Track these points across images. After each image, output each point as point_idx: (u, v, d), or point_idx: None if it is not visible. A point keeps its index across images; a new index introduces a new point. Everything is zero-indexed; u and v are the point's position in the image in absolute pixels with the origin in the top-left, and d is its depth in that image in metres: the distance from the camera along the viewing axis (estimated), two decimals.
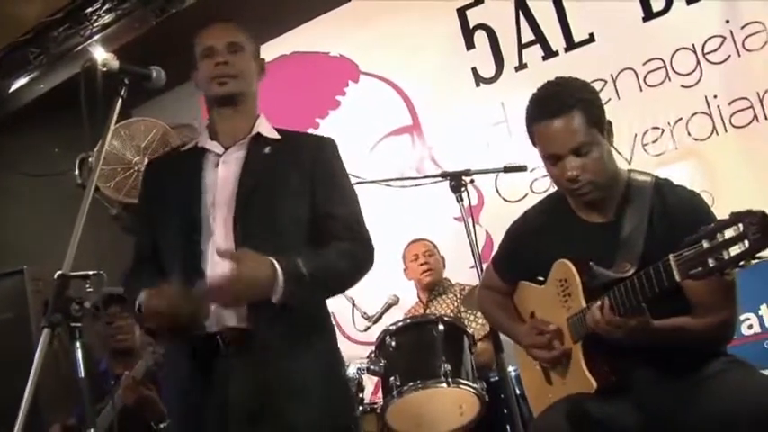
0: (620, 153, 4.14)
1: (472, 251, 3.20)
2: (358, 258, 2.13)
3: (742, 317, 3.76)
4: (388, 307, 3.89)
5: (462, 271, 4.25)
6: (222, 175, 2.14)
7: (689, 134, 4.31)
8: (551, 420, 1.95)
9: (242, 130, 2.21)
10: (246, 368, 1.96)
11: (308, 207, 2.13)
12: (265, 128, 2.24)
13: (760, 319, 3.88)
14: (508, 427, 3.26)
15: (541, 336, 2.16)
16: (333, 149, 2.27)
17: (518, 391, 3.15)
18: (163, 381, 2.89)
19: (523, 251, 2.33)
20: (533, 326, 2.22)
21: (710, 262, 1.59)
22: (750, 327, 3.88)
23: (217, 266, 1.98)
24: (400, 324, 3.19)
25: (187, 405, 2.03)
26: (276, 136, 2.24)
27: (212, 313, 2.00)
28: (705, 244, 1.60)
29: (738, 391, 1.78)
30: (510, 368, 3.18)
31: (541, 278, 2.27)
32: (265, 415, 1.91)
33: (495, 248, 2.53)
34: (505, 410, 3.18)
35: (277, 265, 1.91)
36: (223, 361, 1.99)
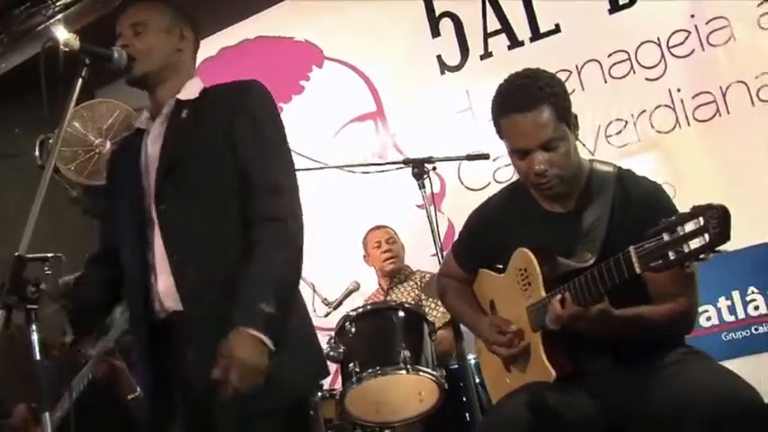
0: (583, 144, 4.16)
1: (434, 239, 3.20)
2: (288, 251, 1.95)
3: (701, 309, 3.84)
4: (348, 293, 3.88)
5: (423, 258, 4.25)
6: (151, 155, 2.09)
7: (652, 126, 4.35)
8: (510, 408, 1.96)
9: (169, 104, 2.13)
10: (195, 349, 1.93)
11: (233, 170, 1.99)
12: (188, 91, 2.12)
13: (718, 311, 3.95)
14: (467, 414, 3.26)
15: (501, 335, 2.18)
16: (258, 94, 2.08)
17: (477, 380, 3.17)
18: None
19: (484, 239, 2.33)
20: (494, 323, 2.23)
21: (671, 255, 1.60)
22: (708, 319, 3.94)
23: (162, 266, 1.96)
24: (360, 310, 3.18)
25: (153, 377, 2.03)
26: (195, 96, 2.11)
27: (156, 298, 1.99)
28: (666, 237, 1.61)
29: (695, 381, 1.80)
30: (470, 356, 3.19)
31: (501, 266, 2.28)
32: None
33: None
34: (465, 398, 3.19)
35: (255, 332, 1.80)
36: (176, 342, 1.98)
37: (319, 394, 3.16)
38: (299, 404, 1.97)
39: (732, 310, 3.93)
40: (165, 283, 1.97)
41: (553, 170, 2.03)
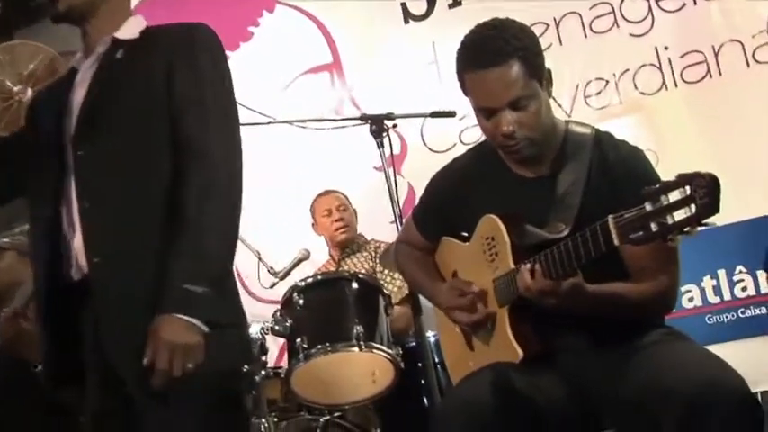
0: (559, 104, 4.17)
1: (392, 205, 3.20)
2: (223, 216, 1.89)
3: (683, 288, 3.84)
4: (297, 262, 3.85)
5: (380, 226, 4.24)
6: (77, 96, 2.03)
7: (635, 87, 4.36)
8: (471, 390, 1.95)
9: (104, 42, 2.07)
10: (103, 317, 1.90)
11: (166, 120, 1.95)
12: (127, 30, 2.07)
13: (702, 291, 3.97)
14: (425, 397, 3.28)
15: (463, 297, 2.16)
16: (205, 39, 2.03)
17: (437, 359, 3.18)
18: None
19: (447, 204, 2.32)
20: (454, 286, 2.22)
21: (653, 226, 1.58)
22: (691, 299, 3.96)
23: (77, 220, 1.92)
24: (310, 280, 3.18)
25: (49, 346, 2.02)
26: (135, 36, 2.06)
27: (72, 256, 1.95)
28: (648, 206, 1.59)
29: (675, 363, 1.80)
30: (429, 333, 3.20)
31: (466, 234, 2.27)
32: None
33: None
34: (422, 380, 3.21)
35: (184, 317, 1.79)
36: (89, 307, 1.94)
37: (262, 372, 3.14)
38: (226, 379, 1.95)
39: (717, 290, 3.96)
40: (79, 239, 1.93)
41: (522, 131, 2.02)
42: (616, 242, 1.68)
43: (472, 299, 2.14)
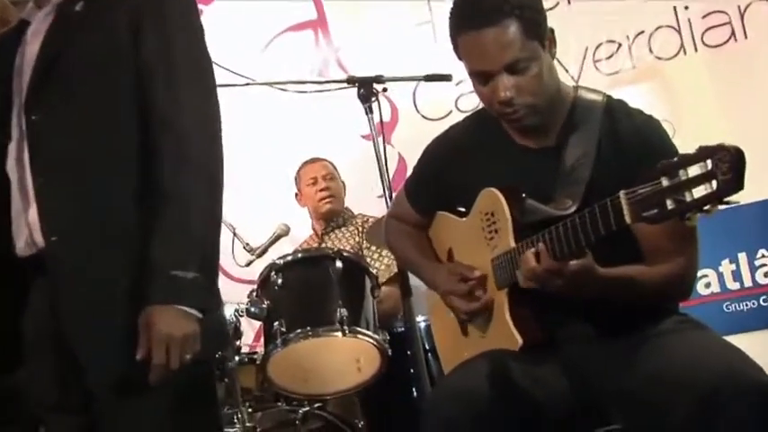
0: (565, 69, 4.15)
1: (381, 177, 3.18)
2: (205, 192, 1.88)
3: (699, 273, 3.83)
4: (276, 238, 3.85)
5: (368, 200, 4.24)
6: (29, 53, 1.99)
7: (651, 51, 4.35)
8: (465, 379, 1.94)
9: None
10: (59, 297, 1.89)
11: (132, 84, 1.91)
12: None
13: (720, 276, 3.98)
14: (414, 388, 3.29)
15: (463, 283, 2.16)
16: None
17: (427, 346, 3.19)
18: None
19: (443, 176, 2.31)
20: (454, 270, 2.21)
21: (669, 203, 1.56)
22: (708, 285, 3.97)
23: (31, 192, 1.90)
24: (289, 258, 3.17)
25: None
26: None
27: (27, 230, 1.93)
28: (665, 181, 1.57)
29: (689, 354, 1.79)
30: (419, 318, 3.20)
31: (463, 209, 2.26)
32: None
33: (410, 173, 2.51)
34: (412, 369, 3.21)
35: (177, 306, 1.79)
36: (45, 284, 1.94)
37: (236, 358, 3.14)
38: (197, 367, 1.93)
39: (737, 276, 3.97)
40: (35, 214, 1.90)
41: (522, 98, 2.00)
42: (628, 220, 1.66)
43: (473, 285, 2.14)
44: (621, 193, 1.67)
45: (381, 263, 3.95)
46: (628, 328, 1.97)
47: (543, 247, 1.86)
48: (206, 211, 1.88)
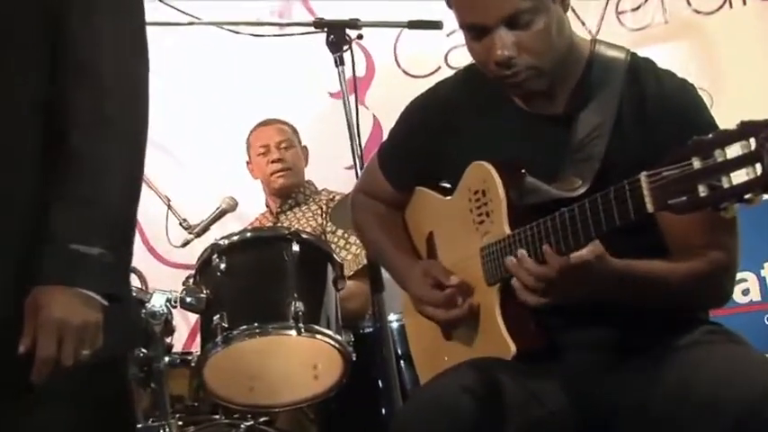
0: (581, 22, 4.16)
1: (351, 144, 3.18)
2: (123, 151, 1.86)
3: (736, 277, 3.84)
4: (220, 214, 3.84)
5: (334, 171, 4.25)
6: None
7: (688, 3, 4.35)
8: (444, 391, 1.93)
9: None
10: None
11: (39, 20, 1.87)
12: None
13: (762, 282, 3.96)
14: (382, 400, 3.31)
15: (437, 291, 2.17)
16: None
17: (400, 350, 3.22)
18: None
19: (425, 143, 2.31)
20: (429, 272, 2.21)
21: (701, 190, 1.55)
22: (746, 292, 3.96)
23: None
24: (235, 238, 3.16)
25: None
26: None
27: None
28: (697, 162, 1.56)
29: (721, 371, 1.79)
30: (391, 317, 3.20)
31: (448, 185, 2.26)
32: None
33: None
34: (381, 380, 3.22)
35: (76, 288, 1.75)
36: None
37: (166, 359, 3.12)
38: (105, 370, 1.91)
39: None
40: None
41: (524, 58, 1.99)
42: (650, 208, 1.65)
43: (451, 294, 2.14)
44: (643, 175, 1.65)
45: (349, 251, 3.94)
46: (646, 337, 1.97)
47: (548, 249, 1.84)
48: (122, 176, 1.86)
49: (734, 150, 1.51)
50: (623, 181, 1.70)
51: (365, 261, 3.44)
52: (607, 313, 1.97)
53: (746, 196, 1.49)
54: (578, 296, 1.88)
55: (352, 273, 3.74)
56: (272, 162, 4.29)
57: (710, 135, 1.54)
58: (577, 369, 2.00)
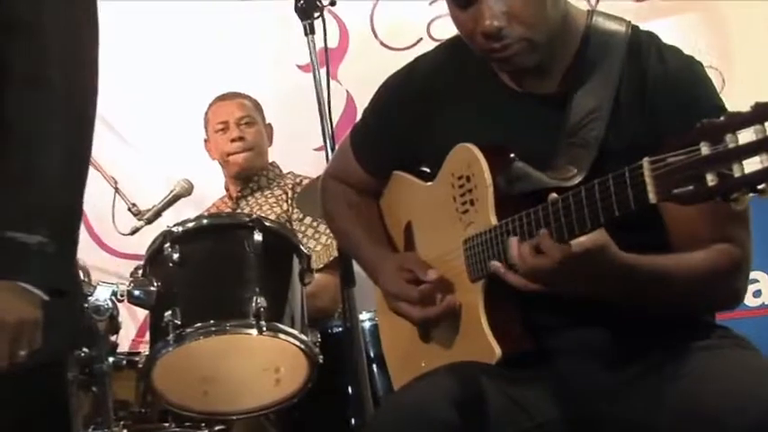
0: None
1: (322, 122, 3.20)
2: (66, 129, 1.85)
3: None
4: (173, 198, 3.84)
5: (302, 153, 4.25)
6: None
7: None
8: (420, 399, 1.94)
9: None
10: None
11: None
12: None
13: None
14: (351, 408, 3.31)
15: (413, 287, 2.17)
16: None
17: (372, 352, 3.24)
18: None
19: (404, 123, 2.31)
20: (404, 266, 2.22)
21: (710, 178, 1.54)
22: (758, 294, 3.98)
23: None
24: (190, 226, 3.15)
25: None
26: None
27: None
28: (705, 148, 1.56)
29: (731, 381, 1.80)
30: (363, 315, 3.21)
31: (428, 170, 2.27)
32: None
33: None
34: (350, 387, 3.23)
35: (17, 282, 1.75)
36: None
37: (110, 359, 3.11)
38: (42, 374, 1.91)
39: None
40: None
41: (515, 29, 1.99)
42: (653, 198, 1.64)
43: (429, 290, 2.15)
44: (646, 161, 1.64)
45: (318, 241, 3.95)
46: (646, 341, 1.98)
47: (546, 233, 1.82)
48: (67, 154, 1.85)
49: (747, 135, 1.50)
50: (624, 168, 1.69)
51: (336, 253, 3.45)
52: (603, 314, 1.97)
53: (760, 186, 1.48)
54: (573, 291, 1.88)
55: (321, 266, 3.75)
56: (232, 140, 4.28)
57: (721, 118, 1.53)
58: (569, 376, 2.00)
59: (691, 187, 1.56)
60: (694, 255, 1.95)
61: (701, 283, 1.95)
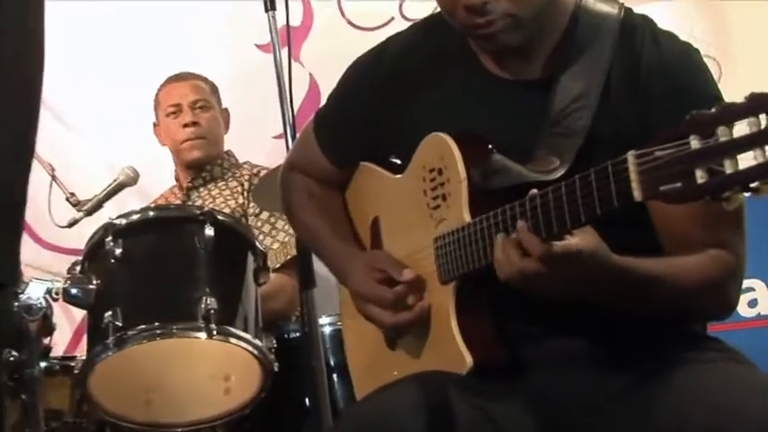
0: None
1: (282, 107, 3.21)
2: None
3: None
4: (117, 188, 3.82)
5: (260, 141, 4.26)
6: None
7: None
8: (383, 411, 1.94)
9: None
10: None
11: None
12: None
13: None
14: (307, 422, 3.31)
15: (386, 287, 2.17)
16: None
17: (332, 360, 3.24)
18: None
19: (373, 110, 2.32)
20: (374, 265, 2.22)
21: (699, 175, 1.53)
22: (753, 303, 4.00)
23: None
24: (135, 218, 3.15)
25: None
26: None
27: None
28: (695, 142, 1.55)
29: (723, 397, 1.80)
30: (323, 320, 3.21)
31: (398, 161, 2.28)
32: None
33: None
34: (308, 398, 3.25)
35: None
36: None
37: (42, 365, 3.10)
38: None
39: None
40: None
41: (500, 3, 1.99)
42: (638, 196, 1.62)
43: (402, 292, 2.14)
44: (630, 155, 1.63)
45: (275, 239, 3.96)
46: (632, 350, 1.99)
47: (523, 225, 1.81)
48: (8, 135, 1.86)
49: (740, 128, 1.49)
50: (607, 162, 1.68)
51: (294, 251, 3.46)
52: (585, 321, 1.97)
53: (753, 184, 1.47)
54: (556, 294, 1.87)
55: (277, 265, 3.75)
56: (185, 126, 4.27)
57: (713, 109, 1.53)
58: (548, 389, 2.00)
59: (678, 184, 1.55)
60: (686, 260, 1.96)
61: (691, 291, 1.96)
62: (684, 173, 1.54)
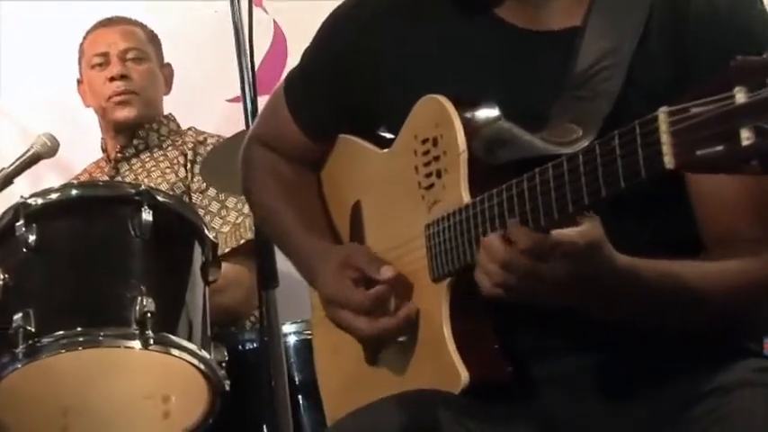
0: None
1: (240, 63, 3.24)
2: None
3: None
4: (31, 160, 3.82)
5: (210, 103, 4.26)
6: None
7: None
8: None
9: None
10: None
11: None
12: None
13: None
14: None
15: (360, 290, 2.18)
16: None
17: (297, 378, 3.28)
18: None
19: (355, 71, 2.34)
20: (348, 262, 2.23)
21: (745, 136, 1.46)
22: None
23: None
24: (54, 197, 3.15)
25: None
26: None
27: None
28: (741, 95, 1.51)
29: None
30: (287, 327, 3.23)
31: (387, 134, 2.29)
32: None
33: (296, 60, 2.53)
34: (266, 426, 3.28)
35: None
36: None
37: None
38: None
39: None
40: None
41: None
42: (669, 163, 1.54)
43: (381, 294, 2.15)
44: (661, 112, 1.55)
45: (225, 220, 3.97)
46: (662, 372, 1.99)
47: (517, 222, 1.80)
48: None
49: None
50: (634, 122, 1.62)
51: (249, 235, 3.47)
52: (603, 335, 1.97)
53: None
54: (553, 300, 1.86)
55: (227, 250, 3.79)
56: (111, 79, 4.27)
57: (765, 54, 1.47)
58: (559, 415, 2.02)
59: (719, 147, 1.46)
60: (729, 259, 1.95)
61: (733, 297, 1.95)
62: (727, 133, 1.45)
